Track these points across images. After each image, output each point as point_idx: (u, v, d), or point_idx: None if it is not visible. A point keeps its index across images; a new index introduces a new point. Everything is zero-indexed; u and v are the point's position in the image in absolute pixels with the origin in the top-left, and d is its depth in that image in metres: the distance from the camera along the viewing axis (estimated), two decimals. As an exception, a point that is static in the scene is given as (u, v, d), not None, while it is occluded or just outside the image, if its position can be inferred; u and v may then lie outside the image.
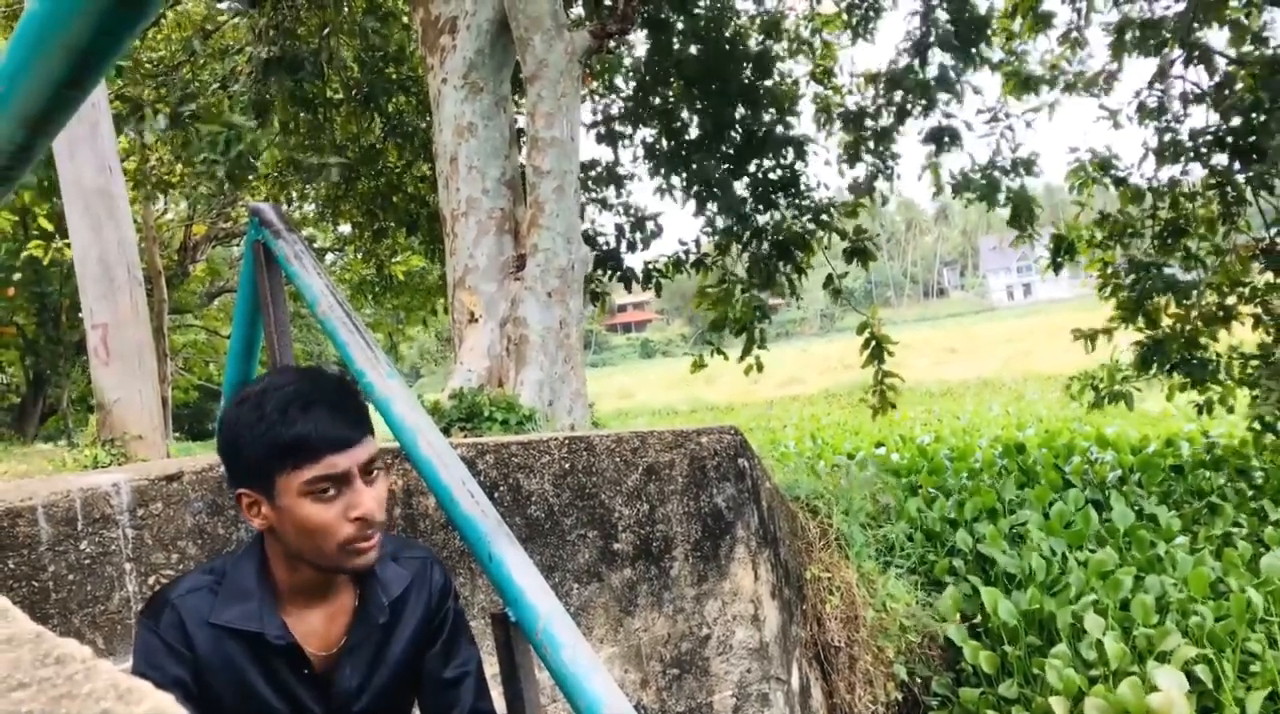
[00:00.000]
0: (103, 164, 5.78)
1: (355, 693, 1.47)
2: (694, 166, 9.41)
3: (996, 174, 9.23)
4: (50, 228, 10.09)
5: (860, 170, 9.93)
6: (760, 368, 9.35)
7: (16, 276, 13.15)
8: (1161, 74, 8.69)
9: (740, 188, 9.63)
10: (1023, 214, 9.15)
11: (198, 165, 7.86)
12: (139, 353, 5.84)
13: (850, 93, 10.72)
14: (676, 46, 9.28)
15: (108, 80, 7.21)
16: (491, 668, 1.65)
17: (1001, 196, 9.20)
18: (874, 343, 9.30)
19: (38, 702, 0.49)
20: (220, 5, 9.80)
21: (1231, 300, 8.59)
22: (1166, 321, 8.71)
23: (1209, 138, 8.41)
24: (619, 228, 9.84)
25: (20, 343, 18.06)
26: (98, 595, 2.24)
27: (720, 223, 9.69)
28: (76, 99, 0.77)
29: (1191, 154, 8.55)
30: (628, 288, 10.03)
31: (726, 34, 9.34)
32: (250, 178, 9.01)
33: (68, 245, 7.62)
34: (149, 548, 2.34)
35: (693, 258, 10.05)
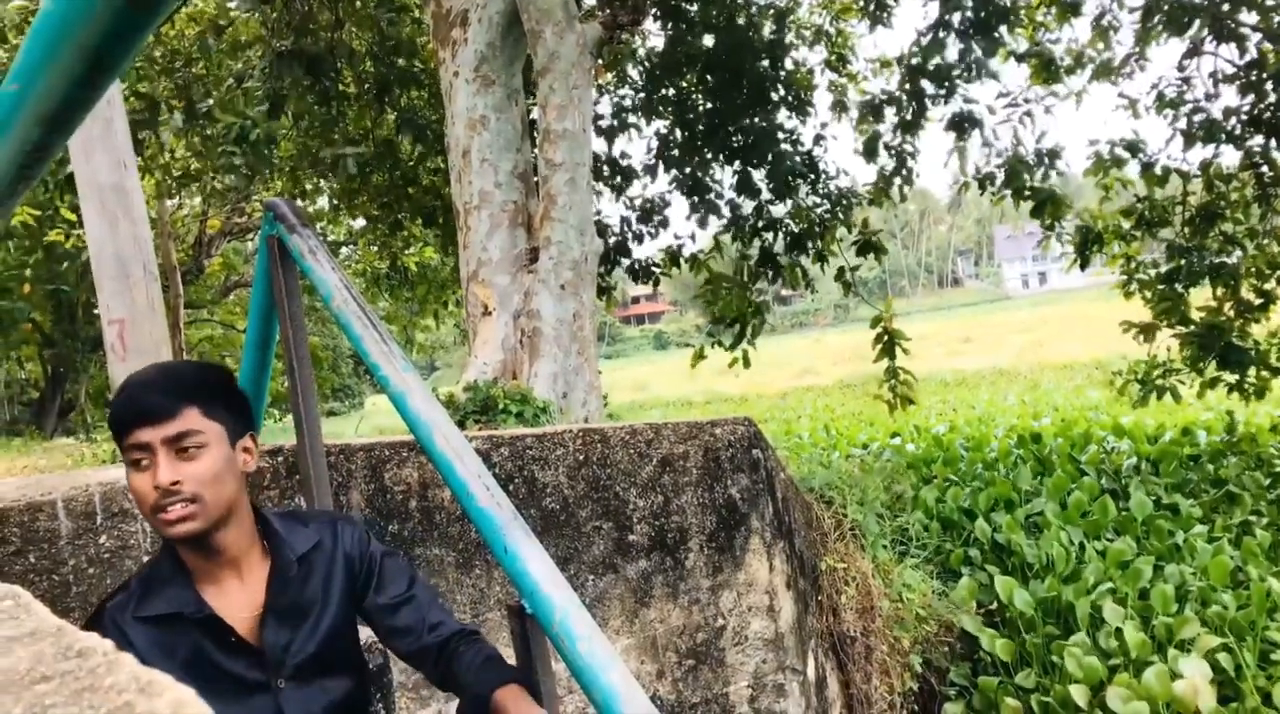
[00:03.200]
0: (118, 160, 5.79)
1: (284, 649, 1.55)
2: (705, 156, 9.38)
3: (1020, 167, 9.03)
4: (73, 218, 10.14)
5: (879, 162, 9.80)
6: (747, 363, 9.31)
7: (28, 271, 13.24)
8: (1192, 52, 8.52)
9: (757, 178, 9.58)
10: (1046, 209, 8.94)
11: (216, 158, 7.89)
12: (156, 348, 5.85)
13: (866, 79, 10.64)
14: (690, 36, 9.24)
15: (122, 77, 7.23)
16: (509, 660, 1.67)
17: (1026, 192, 9.03)
18: (887, 338, 9.19)
19: (60, 695, 0.49)
20: (231, 3, 9.81)
21: (1270, 284, 8.42)
22: (1198, 314, 8.51)
23: (1243, 117, 8.25)
24: (624, 220, 9.84)
25: (38, 339, 18.20)
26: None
27: (716, 220, 9.66)
28: (92, 98, 0.77)
29: (1225, 135, 8.39)
30: (635, 280, 10.04)
31: (740, 22, 9.29)
32: (267, 169, 9.05)
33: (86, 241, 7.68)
34: (168, 542, 2.35)
35: (689, 253, 10.05)
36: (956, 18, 8.68)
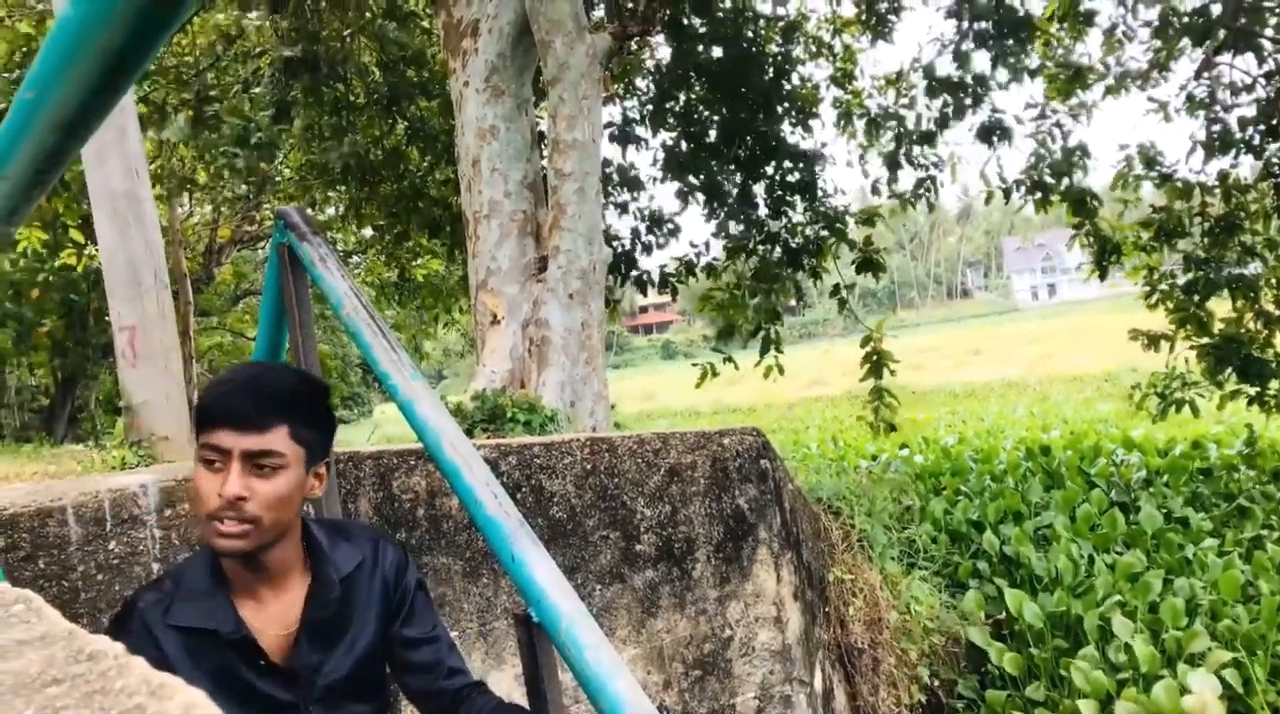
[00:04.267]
0: (130, 168, 5.84)
1: (316, 668, 1.51)
2: (712, 167, 9.39)
3: (1063, 168, 8.94)
4: (81, 239, 10.19)
5: (902, 178, 9.76)
6: (781, 371, 9.27)
7: (40, 277, 13.29)
8: (1208, 63, 8.47)
9: (757, 191, 9.59)
10: (1083, 208, 8.82)
11: (219, 160, 7.92)
12: (165, 355, 5.89)
13: (870, 96, 10.65)
14: (698, 48, 9.27)
15: (135, 84, 7.28)
16: (515, 669, 1.67)
17: (1055, 196, 8.94)
18: (875, 358, 9.13)
19: (71, 698, 0.50)
20: (249, 15, 9.89)
21: None
22: (1220, 325, 8.43)
23: (1262, 127, 8.19)
24: (634, 231, 9.85)
25: (49, 345, 18.26)
26: (126, 595, 2.26)
27: (734, 227, 9.65)
28: (108, 104, 0.78)
29: (1243, 146, 8.33)
30: (643, 292, 10.03)
31: (747, 35, 9.31)
32: (270, 170, 9.08)
33: (98, 251, 7.72)
34: (176, 548, 2.36)
35: (704, 262, 10.05)
36: (975, 28, 8.66)
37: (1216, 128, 8.42)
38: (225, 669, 1.43)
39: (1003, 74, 9.02)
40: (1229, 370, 8.24)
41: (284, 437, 1.42)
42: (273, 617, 1.49)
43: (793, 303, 10.56)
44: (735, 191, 9.58)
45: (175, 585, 1.46)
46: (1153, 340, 8.84)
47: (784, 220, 9.70)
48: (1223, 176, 8.64)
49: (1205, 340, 8.44)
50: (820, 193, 9.60)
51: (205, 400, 1.42)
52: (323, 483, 1.54)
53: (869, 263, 9.56)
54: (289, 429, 1.43)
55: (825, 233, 9.58)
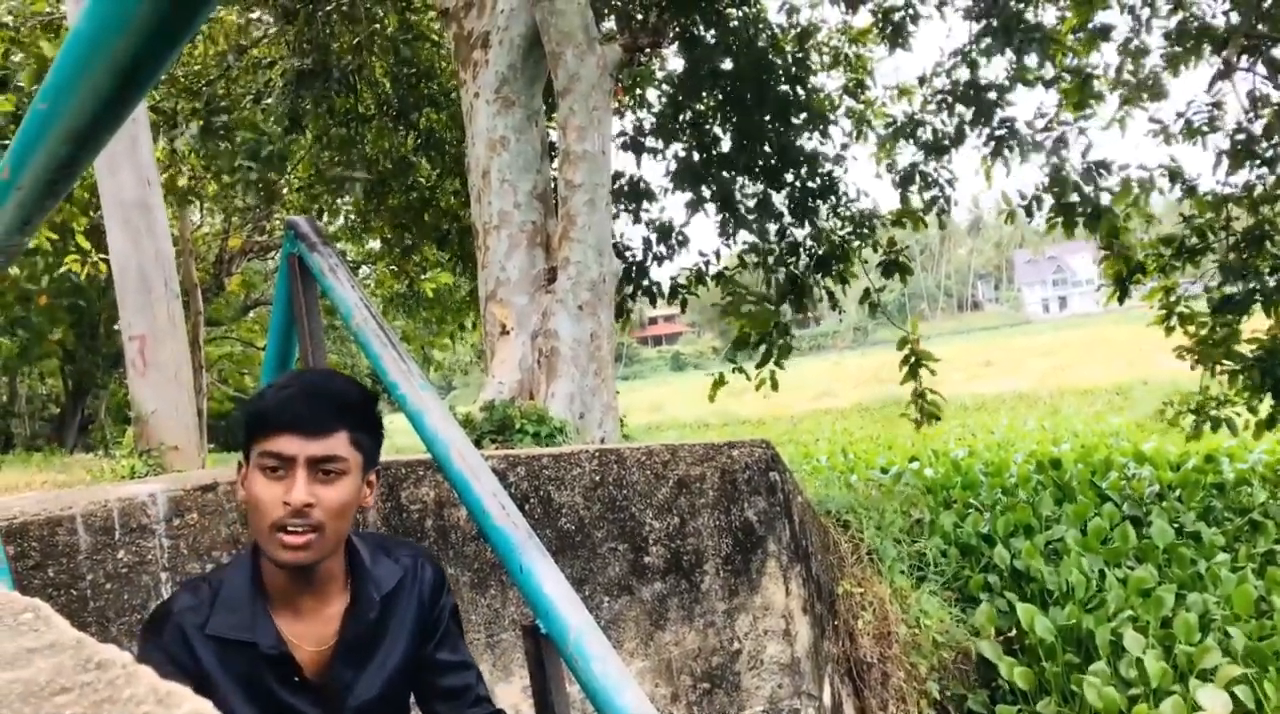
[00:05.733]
0: (141, 177, 5.88)
1: (349, 687, 1.49)
2: (724, 178, 9.38)
3: (1064, 182, 8.77)
4: (88, 245, 10.25)
5: (914, 191, 9.69)
6: (775, 385, 9.21)
7: (45, 281, 13.33)
8: (1225, 71, 8.35)
9: (777, 200, 9.56)
10: (1100, 224, 8.62)
11: (230, 174, 7.96)
12: (175, 364, 5.92)
13: (884, 105, 10.62)
14: (709, 60, 9.26)
15: (147, 95, 7.33)
16: (523, 681, 1.66)
17: (1078, 209, 8.77)
18: (914, 359, 9.10)
19: (80, 706, 0.50)
20: (254, 15, 9.94)
21: None
22: (1248, 347, 8.18)
23: None
24: (646, 241, 9.84)
25: (60, 354, 18.36)
26: (134, 604, 2.27)
27: (751, 238, 9.62)
28: (121, 116, 0.78)
29: (1260, 160, 8.12)
30: (653, 302, 10.00)
31: (760, 46, 9.32)
32: (281, 183, 9.11)
33: (104, 260, 7.75)
34: (185, 557, 2.36)
35: (714, 271, 10.01)
36: (987, 41, 8.62)
37: (1241, 137, 8.28)
38: (256, 681, 1.42)
39: (1017, 80, 8.93)
40: (1266, 390, 8.01)
41: (345, 442, 1.41)
42: (309, 632, 1.47)
43: (809, 315, 10.51)
44: (752, 201, 9.54)
45: (214, 593, 1.45)
46: (1201, 357, 8.51)
47: (809, 227, 9.65)
48: (1248, 188, 8.50)
49: (1231, 362, 8.21)
50: (844, 197, 9.56)
51: (265, 406, 1.40)
52: (373, 492, 1.52)
53: (895, 265, 9.52)
54: (349, 434, 1.42)
55: (851, 237, 9.55)
